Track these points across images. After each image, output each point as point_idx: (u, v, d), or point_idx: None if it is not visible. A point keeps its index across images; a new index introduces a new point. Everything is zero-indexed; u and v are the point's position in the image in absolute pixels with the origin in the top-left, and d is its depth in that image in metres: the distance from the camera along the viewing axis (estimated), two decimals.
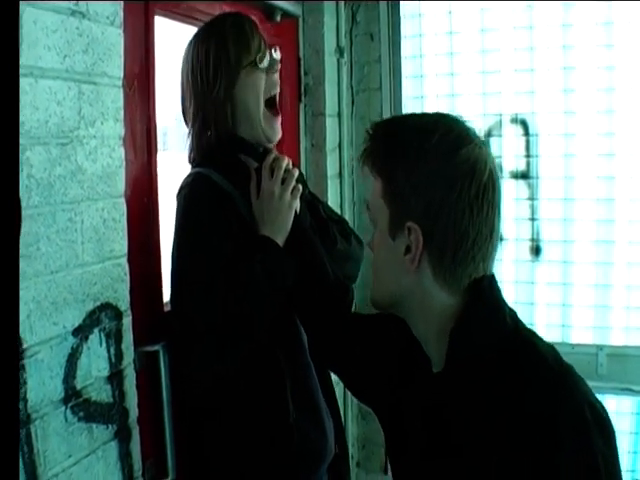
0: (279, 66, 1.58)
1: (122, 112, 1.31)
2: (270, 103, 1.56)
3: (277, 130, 1.59)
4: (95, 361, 1.25)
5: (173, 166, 1.61)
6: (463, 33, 2.59)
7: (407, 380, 1.09)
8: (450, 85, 2.65)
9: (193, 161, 1.58)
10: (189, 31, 1.65)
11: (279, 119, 1.59)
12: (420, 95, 2.70)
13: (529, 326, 1.01)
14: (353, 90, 2.79)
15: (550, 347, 0.96)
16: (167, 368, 1.55)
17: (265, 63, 1.53)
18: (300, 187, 1.52)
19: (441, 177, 0.94)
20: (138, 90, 1.49)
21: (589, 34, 2.47)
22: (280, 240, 1.47)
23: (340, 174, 2.74)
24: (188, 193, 1.48)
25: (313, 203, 1.67)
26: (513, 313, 0.99)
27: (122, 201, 1.33)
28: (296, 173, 1.53)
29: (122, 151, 1.32)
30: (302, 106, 2.56)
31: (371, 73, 2.77)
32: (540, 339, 0.98)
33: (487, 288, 0.98)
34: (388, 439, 1.16)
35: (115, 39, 1.27)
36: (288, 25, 2.35)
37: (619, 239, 2.53)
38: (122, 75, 1.30)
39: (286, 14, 2.22)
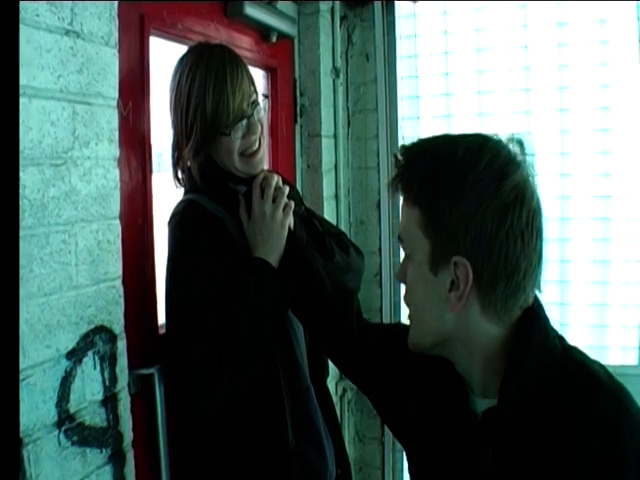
0: (259, 128, 1.51)
1: (117, 133, 1.30)
2: (246, 155, 1.52)
3: (256, 164, 1.54)
4: (89, 384, 1.23)
5: (168, 187, 1.60)
6: (459, 52, 2.60)
7: (436, 409, 1.05)
8: (446, 105, 2.65)
9: (181, 184, 1.58)
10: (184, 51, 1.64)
11: (257, 155, 1.54)
12: (416, 116, 2.70)
13: None
14: (349, 111, 2.80)
15: (599, 365, 0.95)
16: (162, 391, 1.53)
17: (240, 133, 1.48)
18: (292, 203, 1.51)
19: (491, 207, 0.88)
20: (133, 111, 1.48)
21: (584, 53, 2.48)
22: (274, 260, 1.45)
23: (336, 195, 2.74)
24: (178, 221, 1.48)
25: (309, 219, 1.66)
26: (557, 333, 0.97)
27: (117, 223, 1.31)
28: (286, 190, 1.52)
29: (117, 172, 1.31)
30: (298, 127, 2.55)
31: (367, 94, 2.77)
32: (588, 358, 0.96)
33: (538, 314, 0.95)
34: (411, 461, 1.13)
35: (110, 59, 1.26)
36: (284, 46, 2.35)
37: (615, 258, 2.51)
38: (117, 96, 1.29)
39: (282, 35, 2.22)
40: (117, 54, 1.28)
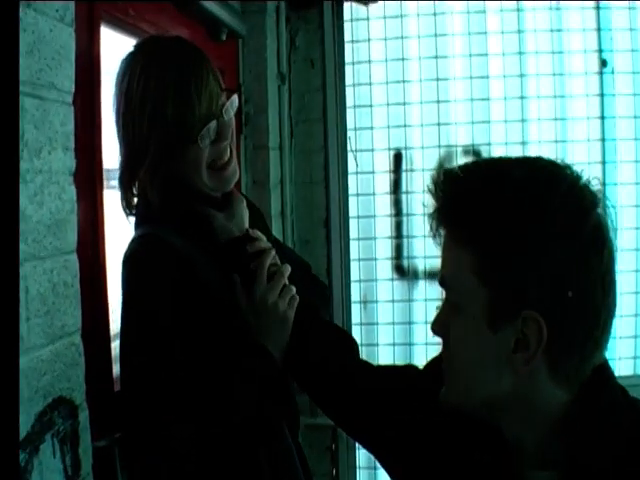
0: (230, 132, 1.23)
1: (72, 138, 0.99)
2: (216, 167, 1.23)
3: (229, 179, 1.25)
4: (49, 478, 0.90)
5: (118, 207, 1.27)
6: (415, 59, 2.42)
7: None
8: (401, 114, 2.46)
9: (131, 212, 1.26)
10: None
11: (230, 167, 1.25)
12: (369, 126, 2.49)
13: None
14: (292, 121, 2.55)
15: None
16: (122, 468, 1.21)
17: (210, 138, 1.19)
18: (297, 297, 1.24)
19: (572, 248, 0.72)
20: (81, 111, 1.15)
21: (543, 63, 2.39)
22: (277, 352, 1.20)
23: (282, 213, 2.48)
24: (139, 265, 1.16)
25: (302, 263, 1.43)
26: (622, 388, 0.82)
27: (74, 258, 1.00)
28: (287, 271, 1.24)
29: (73, 191, 1.00)
30: (242, 138, 2.27)
31: (311, 102, 2.53)
32: None
33: (609, 374, 0.80)
34: None
35: (66, 40, 0.94)
36: (229, 46, 2.07)
37: None
38: (73, 89, 0.98)
39: (231, 33, 1.94)
40: (74, 35, 0.96)
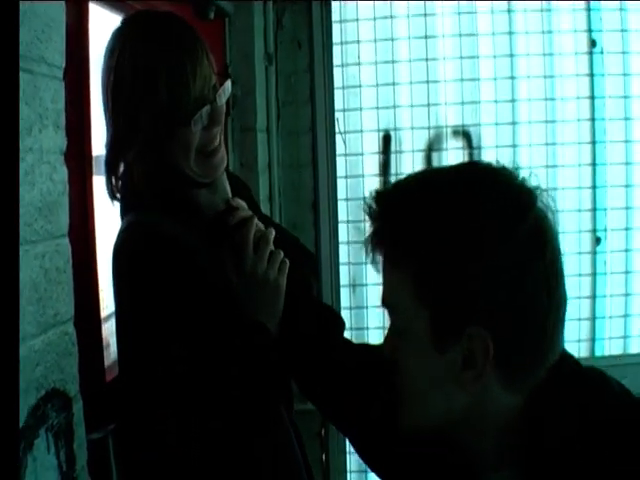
0: (222, 117, 1.17)
1: (63, 116, 0.94)
2: (205, 152, 1.17)
3: (217, 165, 1.19)
4: (43, 475, 0.86)
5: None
6: (404, 39, 2.38)
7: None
8: (390, 95, 2.42)
9: (116, 197, 1.19)
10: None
11: (218, 153, 1.19)
12: (358, 107, 2.44)
13: None
14: (279, 102, 2.50)
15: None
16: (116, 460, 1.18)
17: (202, 123, 1.13)
18: (287, 262, 1.19)
19: (511, 254, 0.68)
20: (69, 88, 1.09)
21: (532, 43, 2.38)
22: (272, 325, 1.16)
23: (270, 197, 2.44)
24: (131, 257, 1.11)
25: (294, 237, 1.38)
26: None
27: (66, 242, 0.95)
28: (272, 235, 1.18)
29: (65, 171, 0.95)
30: (229, 120, 2.22)
31: (298, 83, 2.49)
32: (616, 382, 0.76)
33: (564, 370, 0.75)
34: None
35: (56, 12, 0.89)
36: (216, 26, 2.01)
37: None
38: (64, 64, 0.93)
39: (219, 11, 1.88)
40: (64, 7, 0.91)
